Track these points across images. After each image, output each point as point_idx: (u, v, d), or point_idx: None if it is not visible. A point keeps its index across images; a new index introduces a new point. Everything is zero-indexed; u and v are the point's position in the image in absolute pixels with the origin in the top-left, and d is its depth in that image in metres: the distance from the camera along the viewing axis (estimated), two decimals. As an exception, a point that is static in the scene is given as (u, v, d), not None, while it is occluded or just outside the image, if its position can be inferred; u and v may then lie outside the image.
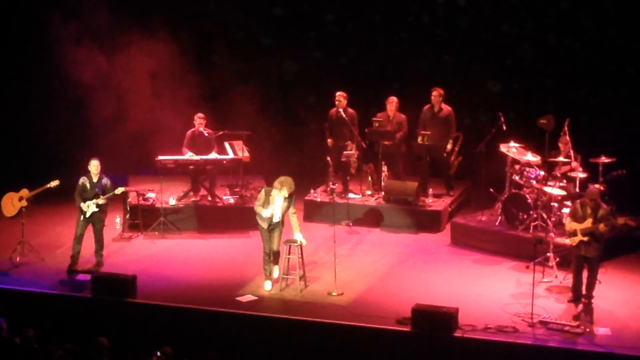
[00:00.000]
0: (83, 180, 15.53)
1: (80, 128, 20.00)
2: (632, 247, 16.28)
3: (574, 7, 19.36)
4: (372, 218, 17.88)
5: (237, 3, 20.76)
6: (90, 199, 15.41)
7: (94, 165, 15.50)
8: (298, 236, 14.80)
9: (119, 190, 15.82)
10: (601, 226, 13.42)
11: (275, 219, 14.75)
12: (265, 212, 14.69)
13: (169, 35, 18.78)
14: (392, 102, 18.27)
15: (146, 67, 18.79)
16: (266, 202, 14.73)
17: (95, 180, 15.50)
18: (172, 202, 17.71)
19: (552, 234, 15.39)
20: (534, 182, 16.09)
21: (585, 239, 13.54)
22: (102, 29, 18.93)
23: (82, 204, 15.43)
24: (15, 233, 16.16)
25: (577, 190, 15.59)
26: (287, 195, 14.68)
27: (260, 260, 15.11)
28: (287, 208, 14.77)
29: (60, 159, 19.43)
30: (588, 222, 13.52)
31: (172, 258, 16.22)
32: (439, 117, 18.07)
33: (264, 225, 14.81)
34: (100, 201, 15.46)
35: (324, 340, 13.46)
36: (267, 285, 14.84)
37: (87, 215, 15.45)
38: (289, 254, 14.87)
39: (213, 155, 17.73)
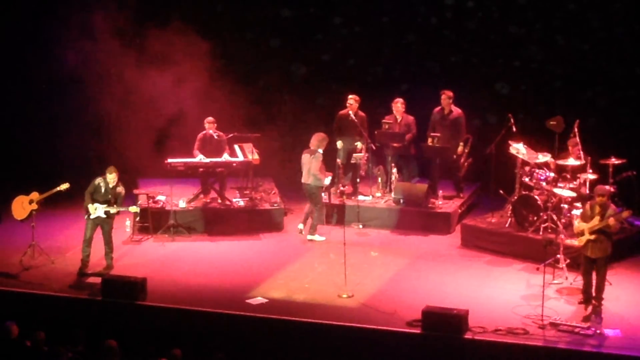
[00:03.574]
0: (99, 181, 15.44)
1: (91, 130, 20.06)
2: (641, 249, 16.29)
3: (582, 8, 19.37)
4: (382, 220, 17.88)
5: (245, 5, 20.78)
6: (101, 202, 15.41)
7: (111, 179, 15.40)
8: None
9: (133, 209, 15.82)
10: (611, 220, 13.37)
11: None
12: (327, 180, 17.08)
13: (177, 38, 18.79)
14: (397, 103, 18.25)
15: (154, 69, 18.81)
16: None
17: (111, 185, 15.45)
18: (182, 204, 17.71)
19: (562, 236, 15.35)
20: (544, 183, 16.08)
21: (593, 237, 13.52)
22: (112, 34, 18.95)
23: (90, 205, 15.40)
24: (25, 236, 16.16)
25: (587, 192, 15.57)
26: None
27: (268, 261, 15.79)
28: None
29: (70, 161, 19.46)
30: (595, 220, 13.51)
31: (182, 261, 16.23)
32: (448, 120, 18.05)
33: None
34: (113, 210, 15.42)
35: (334, 343, 13.45)
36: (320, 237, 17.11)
37: (92, 217, 15.43)
38: None
39: (225, 157, 17.74)
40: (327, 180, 17.06)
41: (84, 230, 15.55)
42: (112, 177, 15.42)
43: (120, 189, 15.55)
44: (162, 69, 18.66)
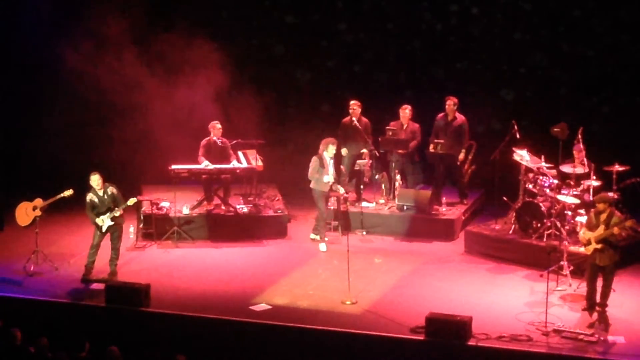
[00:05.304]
0: (90, 196, 15.43)
1: (96, 137, 20.07)
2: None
3: (587, 14, 19.36)
4: (385, 226, 17.87)
5: (249, 12, 20.80)
6: (104, 213, 15.40)
7: (95, 181, 15.40)
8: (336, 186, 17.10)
9: (132, 201, 15.79)
10: (615, 229, 13.33)
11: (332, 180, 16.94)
12: (326, 178, 16.76)
13: (182, 44, 18.80)
14: (405, 109, 18.26)
15: (158, 75, 18.83)
16: (322, 166, 16.74)
17: (101, 193, 15.44)
18: (186, 211, 17.72)
19: (565, 242, 15.35)
20: (548, 190, 16.06)
21: (599, 246, 13.49)
22: (118, 41, 18.96)
23: (97, 220, 15.38)
24: (29, 242, 16.19)
25: (591, 198, 15.54)
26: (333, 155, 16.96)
27: (271, 268, 15.63)
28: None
29: (74, 168, 19.45)
30: (600, 229, 13.48)
31: (185, 267, 16.23)
32: (452, 126, 18.06)
33: (325, 189, 16.94)
34: (117, 213, 15.41)
35: (338, 349, 13.44)
36: (324, 247, 16.97)
37: (104, 229, 15.43)
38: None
39: (234, 164, 17.74)
40: (327, 178, 16.87)
41: (92, 237, 15.55)
42: (95, 179, 15.35)
43: (112, 189, 15.52)
44: (165, 76, 18.69)
